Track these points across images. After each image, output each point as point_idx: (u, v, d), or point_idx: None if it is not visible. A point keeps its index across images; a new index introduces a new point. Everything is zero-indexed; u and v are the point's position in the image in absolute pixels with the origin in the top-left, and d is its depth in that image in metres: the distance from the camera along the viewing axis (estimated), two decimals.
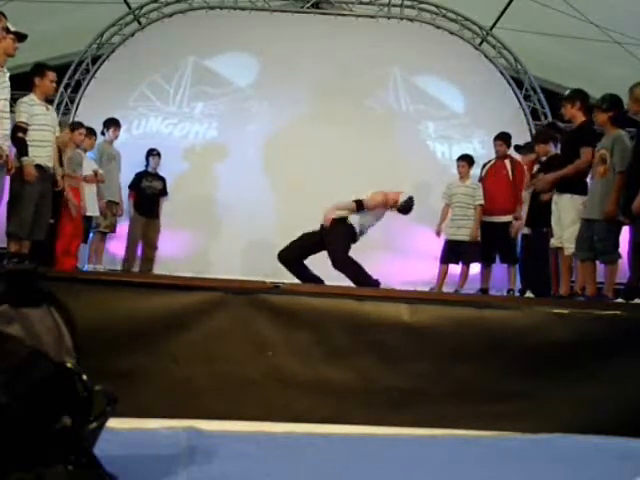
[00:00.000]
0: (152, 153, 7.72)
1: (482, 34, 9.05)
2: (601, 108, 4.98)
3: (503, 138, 7.21)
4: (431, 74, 8.91)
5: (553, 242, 5.56)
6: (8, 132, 4.78)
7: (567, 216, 5.23)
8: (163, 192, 7.74)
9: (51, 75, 5.32)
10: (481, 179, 7.26)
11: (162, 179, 7.76)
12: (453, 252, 7.06)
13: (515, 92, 8.84)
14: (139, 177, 7.62)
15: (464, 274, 7.07)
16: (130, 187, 7.60)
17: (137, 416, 2.75)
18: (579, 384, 3.25)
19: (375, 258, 8.14)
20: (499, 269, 7.19)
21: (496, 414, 3.19)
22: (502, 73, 8.89)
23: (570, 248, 5.17)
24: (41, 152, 5.15)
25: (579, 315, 3.38)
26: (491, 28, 9.06)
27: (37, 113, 5.16)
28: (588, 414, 3.20)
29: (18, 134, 5.03)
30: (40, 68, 5.34)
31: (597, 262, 5.00)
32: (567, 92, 5.51)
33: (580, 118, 5.32)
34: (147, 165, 7.72)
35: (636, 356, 3.29)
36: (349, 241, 5.55)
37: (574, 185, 5.21)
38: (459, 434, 3.07)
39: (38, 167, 5.11)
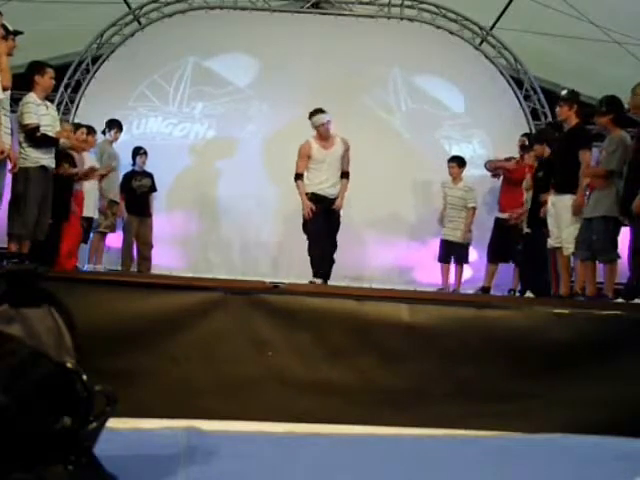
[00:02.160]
0: (139, 152, 7.63)
1: (482, 34, 9.04)
2: (601, 111, 5.01)
3: (528, 136, 7.21)
4: (431, 74, 8.89)
5: (550, 242, 5.56)
6: (9, 131, 4.77)
7: (567, 216, 5.24)
8: (152, 189, 7.65)
9: (50, 72, 5.31)
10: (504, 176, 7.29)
11: (150, 175, 7.66)
12: (447, 252, 7.14)
13: (515, 92, 8.82)
14: (128, 178, 7.53)
15: (459, 274, 7.15)
16: (121, 188, 7.45)
17: (137, 416, 2.76)
18: (579, 384, 3.25)
19: (375, 256, 8.20)
20: (500, 268, 7.19)
21: (496, 414, 3.19)
22: (502, 73, 8.87)
23: (569, 248, 5.18)
24: (44, 153, 5.15)
25: (579, 315, 3.38)
26: (491, 28, 9.05)
27: (42, 114, 5.16)
28: (588, 414, 3.20)
29: (37, 134, 5.05)
30: (40, 65, 5.32)
31: (597, 262, 5.01)
32: (564, 92, 5.55)
33: (574, 120, 5.39)
34: (134, 164, 7.64)
35: (636, 356, 3.29)
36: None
37: (573, 186, 5.22)
38: (459, 434, 3.07)
39: (41, 168, 5.10)
